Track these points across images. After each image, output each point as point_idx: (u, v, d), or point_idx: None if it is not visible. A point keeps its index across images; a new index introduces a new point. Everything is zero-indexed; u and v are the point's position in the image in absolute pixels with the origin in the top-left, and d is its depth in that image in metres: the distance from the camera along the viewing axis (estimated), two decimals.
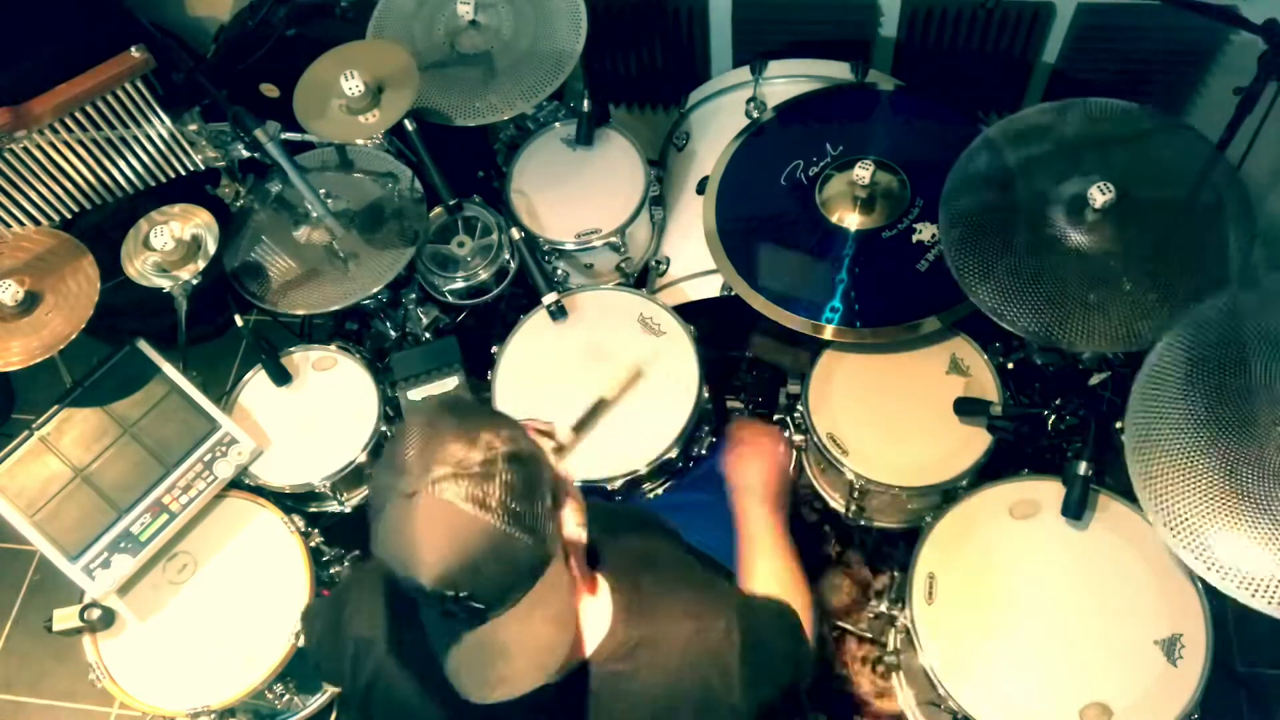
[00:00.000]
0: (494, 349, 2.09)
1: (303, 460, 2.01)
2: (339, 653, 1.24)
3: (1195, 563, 1.46)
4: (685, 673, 1.12)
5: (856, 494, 1.97)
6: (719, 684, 1.13)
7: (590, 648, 1.11)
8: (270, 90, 2.41)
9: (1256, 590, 1.44)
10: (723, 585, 1.25)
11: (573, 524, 1.09)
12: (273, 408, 2.07)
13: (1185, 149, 1.83)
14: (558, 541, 1.05)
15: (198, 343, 2.63)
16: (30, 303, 1.84)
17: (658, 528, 1.58)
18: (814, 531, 2.35)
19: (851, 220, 2.05)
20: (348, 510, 2.09)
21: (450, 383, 2.03)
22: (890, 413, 1.96)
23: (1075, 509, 1.71)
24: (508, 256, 2.24)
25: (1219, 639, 1.63)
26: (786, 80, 2.33)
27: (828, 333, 1.96)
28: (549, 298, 2.06)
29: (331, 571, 2.02)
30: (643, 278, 2.38)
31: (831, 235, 2.05)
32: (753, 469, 1.56)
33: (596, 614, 1.13)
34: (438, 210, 2.25)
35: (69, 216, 1.95)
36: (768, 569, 1.40)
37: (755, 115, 2.29)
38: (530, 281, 2.12)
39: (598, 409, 1.79)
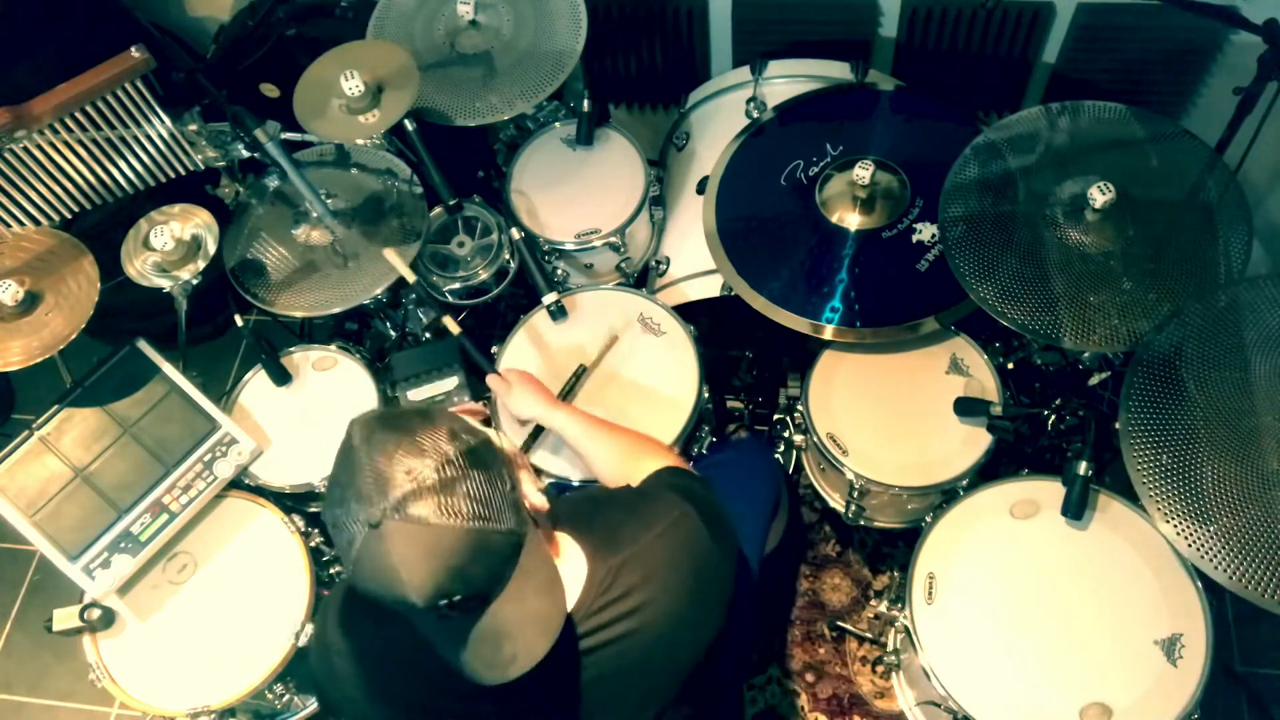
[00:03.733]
0: (494, 349, 2.09)
1: (303, 460, 2.00)
2: (334, 678, 1.23)
3: (1200, 558, 1.47)
4: (678, 563, 1.21)
5: (856, 494, 1.97)
6: (704, 559, 1.24)
7: (576, 594, 1.15)
8: (270, 90, 2.41)
9: (1260, 587, 1.44)
10: (649, 492, 1.32)
11: (533, 494, 1.13)
12: (273, 408, 2.07)
13: (1183, 151, 1.83)
14: (526, 515, 1.08)
15: (198, 343, 2.64)
16: (30, 303, 1.84)
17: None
18: (814, 531, 2.36)
19: (851, 220, 2.05)
20: None
21: (450, 383, 2.03)
22: (890, 413, 1.96)
23: (1075, 509, 1.71)
24: (508, 256, 2.24)
25: (1219, 639, 1.63)
26: (786, 80, 2.33)
27: (828, 333, 1.96)
28: (549, 298, 2.06)
29: (331, 571, 2.02)
30: (643, 278, 2.38)
31: (831, 235, 2.05)
32: (520, 399, 1.62)
33: (572, 564, 1.17)
34: (438, 210, 2.25)
35: (69, 216, 1.95)
36: (627, 455, 1.47)
37: (755, 115, 2.29)
38: (530, 281, 2.12)
39: (579, 377, 1.93)
